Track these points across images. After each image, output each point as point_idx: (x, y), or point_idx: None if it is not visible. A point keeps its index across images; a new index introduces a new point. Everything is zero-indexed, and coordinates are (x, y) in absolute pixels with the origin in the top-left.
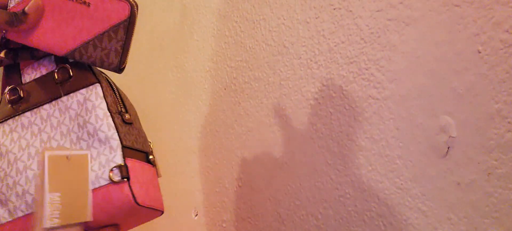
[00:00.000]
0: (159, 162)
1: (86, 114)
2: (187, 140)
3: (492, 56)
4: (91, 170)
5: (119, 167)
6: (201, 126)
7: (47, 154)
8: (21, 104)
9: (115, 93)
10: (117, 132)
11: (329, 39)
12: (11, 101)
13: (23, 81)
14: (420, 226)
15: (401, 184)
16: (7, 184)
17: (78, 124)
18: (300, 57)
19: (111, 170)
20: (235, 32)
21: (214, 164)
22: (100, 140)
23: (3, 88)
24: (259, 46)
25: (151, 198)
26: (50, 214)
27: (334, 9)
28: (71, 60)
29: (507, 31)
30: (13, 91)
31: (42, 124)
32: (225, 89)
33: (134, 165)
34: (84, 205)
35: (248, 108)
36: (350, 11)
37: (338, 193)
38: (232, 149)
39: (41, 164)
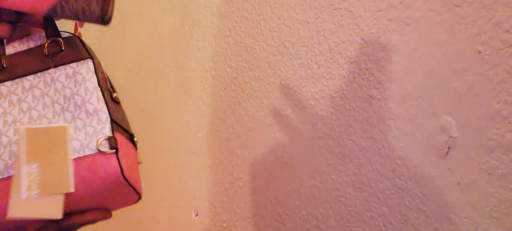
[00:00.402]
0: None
1: (75, 86)
2: (187, 140)
3: (492, 56)
4: (76, 139)
5: (107, 138)
6: (201, 126)
7: (24, 126)
8: (2, 74)
9: (104, 74)
10: (107, 106)
11: (329, 39)
12: None
13: (6, 53)
14: (420, 226)
15: (402, 184)
16: None
17: (64, 96)
18: (301, 57)
19: (99, 140)
20: (236, 32)
21: (214, 164)
22: (87, 112)
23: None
24: (259, 46)
25: (134, 178)
26: (28, 185)
27: (335, 9)
28: (64, 35)
29: (508, 31)
30: None
31: (22, 93)
32: (225, 89)
33: (121, 141)
34: (65, 177)
35: (249, 108)
36: (351, 11)
37: (339, 193)
38: (232, 149)
39: (19, 137)
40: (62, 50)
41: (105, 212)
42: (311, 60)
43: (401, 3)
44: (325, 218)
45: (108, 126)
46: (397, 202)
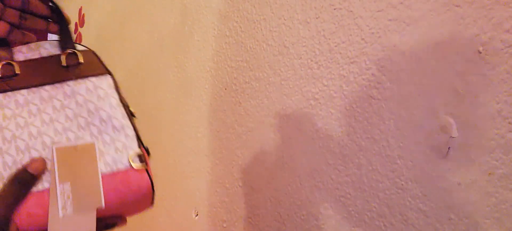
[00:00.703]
0: (151, 157)
1: (98, 101)
2: (187, 140)
3: (492, 57)
4: (107, 153)
5: (137, 154)
6: (202, 126)
7: (54, 147)
8: (15, 81)
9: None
10: (131, 122)
11: (329, 39)
12: (4, 77)
13: (16, 59)
14: (420, 226)
15: (402, 184)
16: (4, 162)
17: (88, 109)
18: (301, 57)
19: (131, 156)
20: (236, 32)
21: (215, 164)
22: (114, 127)
23: None
24: (259, 46)
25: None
26: (63, 204)
27: (335, 9)
28: (79, 48)
29: (508, 31)
30: (7, 66)
31: (41, 104)
32: (225, 89)
33: (145, 156)
34: (96, 192)
35: (249, 108)
36: (351, 11)
37: (339, 193)
38: (233, 149)
39: (51, 158)
40: (80, 63)
41: (122, 219)
42: (311, 60)
43: (401, 3)
44: (325, 218)
45: (135, 141)
46: (397, 202)
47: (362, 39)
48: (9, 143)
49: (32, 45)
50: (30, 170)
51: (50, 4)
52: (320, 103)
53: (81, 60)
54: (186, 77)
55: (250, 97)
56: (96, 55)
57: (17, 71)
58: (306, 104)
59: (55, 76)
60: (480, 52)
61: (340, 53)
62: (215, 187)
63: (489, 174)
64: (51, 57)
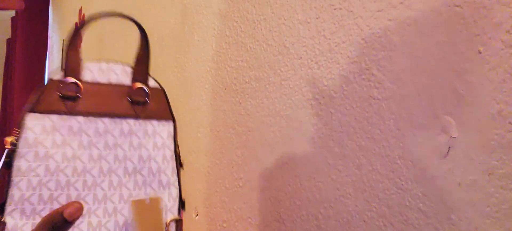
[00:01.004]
0: None
1: (153, 150)
2: (187, 140)
3: (493, 57)
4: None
5: (175, 221)
6: (202, 126)
7: (131, 199)
8: (75, 103)
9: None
10: (178, 180)
11: (329, 39)
12: (64, 97)
13: (82, 77)
14: (420, 226)
15: (402, 184)
16: (40, 195)
17: (140, 156)
18: (301, 57)
19: (168, 222)
20: (236, 32)
21: (215, 164)
22: (160, 182)
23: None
24: (259, 46)
25: None
26: None
27: (335, 9)
28: (151, 84)
29: (508, 31)
30: (71, 86)
31: (95, 137)
32: (225, 89)
33: (182, 218)
34: None
35: (249, 108)
36: (351, 11)
37: (339, 193)
38: (233, 149)
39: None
40: (146, 102)
41: None
42: (312, 60)
43: (401, 3)
44: (325, 218)
45: (177, 205)
46: (398, 202)
47: (362, 39)
48: (51, 176)
49: (103, 66)
50: (65, 215)
51: (136, 24)
52: (320, 103)
53: (149, 99)
54: (186, 77)
55: (250, 97)
56: (166, 96)
57: (80, 95)
58: (306, 104)
59: (117, 110)
60: (481, 52)
61: (340, 53)
62: (215, 187)
63: (490, 174)
64: (119, 86)
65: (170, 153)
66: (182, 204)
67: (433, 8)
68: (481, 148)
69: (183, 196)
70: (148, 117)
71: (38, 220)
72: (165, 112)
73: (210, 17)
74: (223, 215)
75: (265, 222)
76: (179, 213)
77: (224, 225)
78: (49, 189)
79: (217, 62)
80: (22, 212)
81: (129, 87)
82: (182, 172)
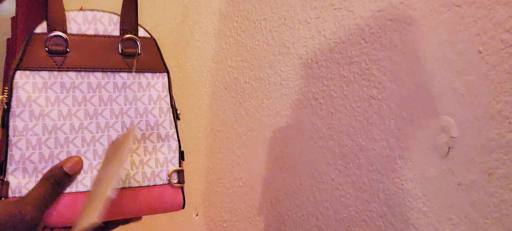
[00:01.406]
0: None
1: (149, 103)
2: (187, 140)
3: (493, 57)
4: (147, 165)
5: (177, 171)
6: (202, 125)
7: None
8: (65, 59)
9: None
10: (177, 132)
11: (330, 39)
12: (52, 52)
13: (68, 30)
14: (420, 227)
15: (402, 184)
16: (41, 153)
17: (136, 110)
18: (301, 57)
19: (170, 172)
20: (236, 32)
21: (215, 164)
22: (159, 135)
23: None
24: (260, 46)
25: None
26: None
27: (335, 9)
28: (141, 33)
29: (508, 31)
30: (57, 39)
31: (88, 92)
32: (226, 89)
33: (183, 169)
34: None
35: (249, 108)
36: (351, 11)
37: (339, 193)
38: (233, 149)
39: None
40: (139, 54)
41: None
42: (312, 60)
43: (401, 3)
44: (326, 218)
45: (177, 156)
46: (398, 202)
47: (362, 39)
48: (49, 134)
49: (89, 15)
50: (65, 169)
51: None
52: (320, 103)
53: (140, 50)
54: (187, 77)
55: (251, 97)
56: (157, 47)
57: (68, 49)
58: (306, 104)
59: (108, 63)
60: (481, 52)
61: (341, 53)
62: (215, 187)
63: (489, 174)
64: (108, 37)
65: (166, 105)
66: (181, 155)
67: (433, 8)
68: (481, 148)
69: (182, 147)
70: (141, 69)
71: (41, 177)
72: (158, 64)
73: (210, 17)
74: (223, 215)
75: (265, 222)
76: (180, 164)
77: (224, 225)
78: (49, 147)
79: (217, 62)
80: (24, 170)
81: (118, 38)
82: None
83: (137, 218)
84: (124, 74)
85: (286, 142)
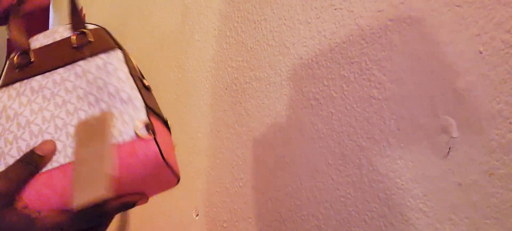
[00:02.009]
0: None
1: (107, 77)
2: (188, 140)
3: (493, 57)
4: (115, 127)
5: (144, 123)
6: (202, 126)
7: (73, 128)
8: (30, 68)
9: (133, 62)
10: (140, 93)
11: (330, 39)
12: (19, 66)
13: (32, 47)
14: (421, 227)
15: (402, 184)
16: (18, 147)
17: (98, 86)
18: (301, 58)
19: (137, 126)
20: (236, 32)
21: (215, 164)
22: (122, 100)
23: (8, 55)
24: (260, 46)
25: (172, 161)
26: (84, 171)
27: (335, 9)
28: (89, 27)
29: (509, 31)
30: (22, 55)
31: (55, 87)
32: (226, 89)
33: (157, 125)
34: (108, 160)
35: (249, 108)
36: (351, 11)
37: (339, 194)
38: (233, 149)
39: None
40: (90, 42)
41: (142, 196)
42: (312, 61)
43: (402, 3)
44: (326, 218)
45: (143, 111)
46: (398, 202)
47: (363, 39)
48: (24, 128)
49: (48, 32)
50: (37, 151)
51: None
52: (320, 103)
53: (91, 38)
54: (187, 77)
55: (251, 98)
56: (107, 32)
57: (32, 59)
58: (307, 105)
59: (67, 58)
60: (481, 52)
61: (341, 53)
62: (215, 187)
63: (490, 174)
64: (63, 40)
65: (124, 74)
66: (166, 123)
67: (433, 8)
68: (482, 148)
69: (167, 120)
70: (95, 53)
71: None
72: (110, 44)
73: (210, 17)
74: (224, 215)
75: (265, 222)
76: (148, 117)
77: (225, 225)
78: (25, 140)
79: (217, 62)
80: (6, 164)
81: (70, 36)
82: (182, 172)
83: (142, 198)
84: (81, 62)
85: (287, 142)
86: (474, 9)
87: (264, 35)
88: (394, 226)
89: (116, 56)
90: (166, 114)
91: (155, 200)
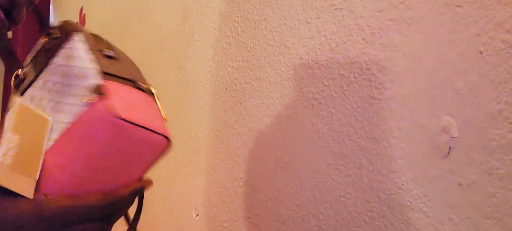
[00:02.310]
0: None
1: (73, 61)
2: (188, 140)
3: (493, 57)
4: (70, 104)
5: (94, 87)
6: (202, 126)
7: (19, 100)
8: (23, 84)
9: (100, 39)
10: (97, 62)
11: (330, 39)
12: (16, 86)
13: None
14: (421, 227)
15: (402, 184)
16: None
17: (63, 73)
18: (302, 58)
19: (85, 94)
20: (237, 32)
21: (215, 164)
22: (83, 77)
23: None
24: (260, 46)
25: (143, 117)
26: (5, 152)
27: (336, 9)
28: (55, 25)
29: (509, 31)
30: (15, 77)
31: (40, 92)
32: (226, 89)
33: (116, 86)
34: (35, 164)
35: (249, 108)
36: (352, 11)
37: (339, 193)
38: (233, 149)
39: (12, 107)
40: (57, 38)
41: (142, 182)
42: (312, 61)
43: (402, 3)
44: (326, 218)
45: (96, 77)
46: (398, 202)
47: (363, 39)
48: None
49: (34, 47)
50: None
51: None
52: (321, 103)
53: (57, 35)
54: (187, 77)
55: (251, 98)
56: (68, 22)
57: (22, 77)
58: (307, 105)
59: (43, 63)
60: (481, 52)
61: (341, 53)
62: (215, 187)
63: (490, 174)
64: (39, 48)
65: (84, 52)
66: (141, 87)
67: (433, 8)
68: (482, 148)
69: (148, 86)
70: (61, 46)
71: None
72: (69, 32)
73: (211, 17)
74: (224, 215)
75: (265, 222)
76: (99, 82)
77: (225, 225)
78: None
79: (217, 62)
80: None
81: (42, 40)
82: (182, 172)
83: (147, 183)
84: (54, 59)
85: (287, 142)
86: (474, 9)
87: (264, 35)
88: (394, 226)
89: (77, 40)
90: (166, 114)
91: (155, 200)
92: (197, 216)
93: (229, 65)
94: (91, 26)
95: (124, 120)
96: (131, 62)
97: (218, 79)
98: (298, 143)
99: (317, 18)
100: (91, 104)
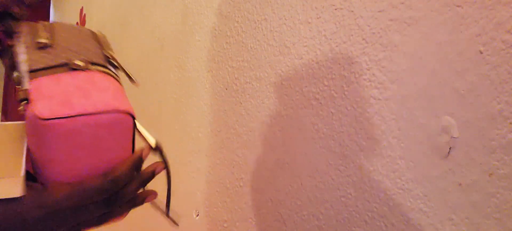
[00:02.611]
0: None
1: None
2: (188, 140)
3: (494, 57)
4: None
5: (21, 95)
6: (202, 126)
7: None
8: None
9: (35, 26)
10: (28, 60)
11: (330, 39)
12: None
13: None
14: (421, 227)
15: (403, 184)
16: None
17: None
18: (302, 58)
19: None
20: (237, 32)
21: (215, 164)
22: (22, 84)
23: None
24: (260, 46)
25: (78, 104)
26: None
27: (336, 9)
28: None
29: (509, 31)
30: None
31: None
32: (226, 89)
33: (41, 83)
34: (17, 164)
35: (250, 108)
36: (352, 11)
37: (340, 194)
38: (233, 149)
39: None
40: (7, 44)
41: (136, 153)
42: (312, 61)
43: (402, 3)
44: (326, 218)
45: (27, 80)
46: (398, 202)
47: (363, 39)
48: None
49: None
50: None
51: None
52: (321, 103)
53: (5, 41)
54: (187, 77)
55: (251, 98)
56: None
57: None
58: (307, 105)
59: (7, 73)
60: (481, 52)
61: (341, 53)
62: (216, 187)
63: (490, 174)
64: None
65: (21, 51)
66: (72, 69)
67: (434, 8)
68: (482, 148)
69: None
70: (15, 50)
71: None
72: (15, 32)
73: (211, 17)
74: (224, 215)
75: (266, 222)
76: (25, 83)
77: (225, 225)
78: None
79: (218, 62)
80: None
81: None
82: (182, 172)
83: (152, 175)
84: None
85: (287, 142)
86: (474, 9)
87: (264, 35)
88: (394, 226)
89: (18, 40)
90: (165, 114)
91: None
92: (197, 216)
93: (229, 65)
94: (91, 26)
95: (53, 118)
96: (70, 36)
97: (218, 79)
98: (298, 143)
99: (318, 18)
100: (25, 115)
